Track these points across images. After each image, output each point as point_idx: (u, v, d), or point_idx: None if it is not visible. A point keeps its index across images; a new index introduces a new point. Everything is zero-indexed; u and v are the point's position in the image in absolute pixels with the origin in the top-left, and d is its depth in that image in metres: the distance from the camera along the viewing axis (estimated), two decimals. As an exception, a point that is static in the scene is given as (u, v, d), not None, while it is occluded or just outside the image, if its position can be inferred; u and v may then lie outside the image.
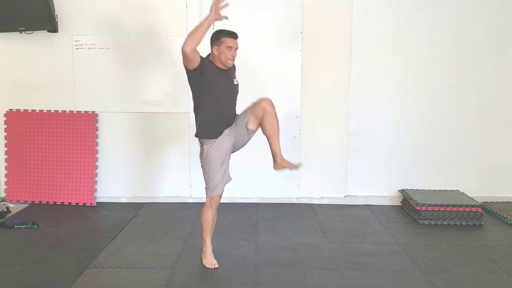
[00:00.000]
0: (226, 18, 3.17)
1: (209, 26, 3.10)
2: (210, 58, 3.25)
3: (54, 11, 4.47)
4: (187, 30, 4.55)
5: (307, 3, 4.57)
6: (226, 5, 3.13)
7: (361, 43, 4.64)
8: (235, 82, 3.34)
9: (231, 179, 3.39)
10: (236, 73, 3.40)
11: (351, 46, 4.64)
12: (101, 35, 4.63)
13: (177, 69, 4.61)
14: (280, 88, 4.64)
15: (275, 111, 3.20)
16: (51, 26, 4.47)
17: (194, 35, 3.02)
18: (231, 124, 3.29)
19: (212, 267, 3.30)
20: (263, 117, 3.17)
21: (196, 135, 3.30)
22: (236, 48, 3.22)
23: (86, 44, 4.63)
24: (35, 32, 4.56)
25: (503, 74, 4.70)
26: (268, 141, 3.25)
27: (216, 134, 3.22)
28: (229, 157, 3.33)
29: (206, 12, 4.52)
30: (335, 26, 4.61)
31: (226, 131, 3.25)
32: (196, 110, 3.29)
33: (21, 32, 4.53)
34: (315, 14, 4.58)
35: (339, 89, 4.70)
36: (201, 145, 3.28)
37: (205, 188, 3.31)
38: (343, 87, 4.69)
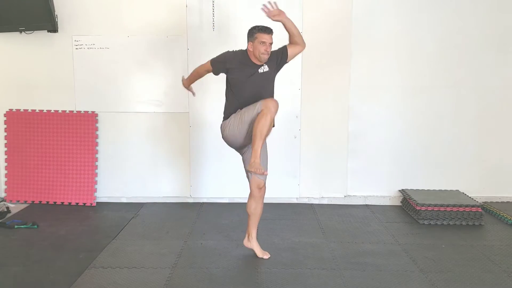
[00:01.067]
0: (193, 94, 3.80)
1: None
2: (248, 52, 3.35)
3: (54, 11, 4.47)
4: (187, 30, 4.61)
5: (307, 3, 4.57)
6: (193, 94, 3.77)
7: (361, 43, 4.64)
8: (260, 70, 3.33)
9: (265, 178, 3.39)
10: (275, 56, 3.43)
11: (351, 46, 4.64)
12: (101, 35, 4.63)
13: (177, 69, 4.62)
14: (280, 88, 4.62)
15: (273, 114, 3.20)
16: (51, 26, 4.47)
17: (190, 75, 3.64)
18: None
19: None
20: (255, 198, 3.40)
21: (224, 119, 3.42)
22: (270, 43, 3.30)
23: (86, 44, 4.63)
24: (35, 32, 4.56)
25: (503, 74, 4.70)
26: (249, 219, 3.47)
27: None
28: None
29: (206, 12, 4.58)
30: (335, 26, 4.61)
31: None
32: (227, 100, 3.46)
33: (21, 32, 4.53)
34: (315, 14, 4.58)
35: (339, 89, 4.70)
36: (226, 122, 3.36)
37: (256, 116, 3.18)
38: (343, 87, 4.69)
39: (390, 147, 4.78)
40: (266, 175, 3.32)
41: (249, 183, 3.42)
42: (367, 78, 4.69)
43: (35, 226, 4.06)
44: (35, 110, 4.73)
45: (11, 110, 4.74)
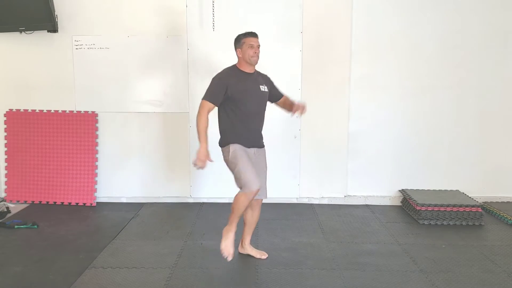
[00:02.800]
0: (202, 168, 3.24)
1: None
2: (237, 65, 3.36)
3: (54, 11, 4.47)
4: (187, 30, 4.61)
5: (307, 3, 4.57)
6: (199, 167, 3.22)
7: (361, 43, 4.64)
8: (262, 89, 3.35)
9: (266, 196, 3.43)
10: (266, 80, 3.45)
11: (351, 46, 4.64)
12: (101, 35, 4.63)
13: (177, 69, 4.62)
14: (280, 88, 4.63)
15: (259, 210, 3.47)
16: (51, 26, 4.47)
17: (198, 124, 3.21)
18: (256, 146, 3.35)
19: (229, 256, 3.19)
20: (253, 208, 3.44)
21: (220, 144, 3.32)
22: (258, 46, 3.31)
23: (86, 44, 4.63)
24: (35, 32, 4.56)
25: (503, 75, 4.70)
26: (245, 226, 3.50)
27: (242, 141, 3.26)
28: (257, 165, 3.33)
29: (206, 12, 4.58)
30: (335, 26, 4.62)
31: (247, 149, 3.28)
32: (221, 120, 3.33)
33: (21, 32, 4.53)
34: (315, 14, 4.59)
35: (339, 89, 4.70)
36: (224, 151, 3.30)
37: (240, 187, 3.23)
38: (343, 87, 4.69)
39: (390, 147, 4.78)
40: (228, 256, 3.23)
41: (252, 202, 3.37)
42: (367, 78, 4.70)
43: (35, 226, 4.06)
44: (35, 110, 4.73)
45: (11, 110, 4.74)
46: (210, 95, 3.22)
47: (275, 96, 3.51)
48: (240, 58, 3.33)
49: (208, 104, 3.19)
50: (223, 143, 3.32)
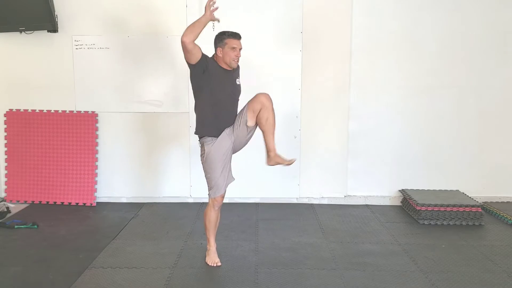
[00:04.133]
0: (218, 20, 3.22)
1: (206, 22, 3.12)
2: (215, 58, 3.27)
3: (54, 11, 4.47)
4: (187, 30, 4.57)
5: (307, 3, 4.57)
6: (216, 8, 3.15)
7: (361, 43, 4.64)
8: (238, 82, 3.35)
9: (233, 179, 3.37)
10: (240, 73, 3.41)
11: (351, 46, 4.64)
12: (101, 35, 4.63)
13: (177, 69, 4.62)
14: (280, 88, 4.64)
15: (272, 106, 3.21)
16: (51, 26, 4.47)
17: (192, 27, 3.06)
18: (231, 124, 3.29)
19: (215, 265, 3.33)
20: (261, 111, 3.18)
21: (196, 133, 3.33)
22: (240, 49, 3.25)
23: (86, 44, 4.63)
24: (35, 32, 4.56)
25: (503, 74, 4.70)
26: (263, 136, 3.25)
27: (217, 132, 3.22)
28: (230, 157, 3.33)
29: (206, 12, 4.55)
30: (335, 26, 4.61)
31: (227, 131, 3.24)
32: (197, 108, 3.32)
33: (21, 32, 4.53)
34: (315, 14, 4.58)
35: (339, 89, 4.70)
36: (202, 146, 3.29)
37: (208, 189, 3.32)
38: (343, 87, 4.69)
39: (390, 147, 4.78)
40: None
41: (254, 106, 3.20)
42: (367, 78, 4.69)
43: (35, 226, 4.06)
44: (35, 110, 4.73)
45: (11, 110, 4.74)
46: (203, 54, 3.14)
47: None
48: (220, 57, 3.23)
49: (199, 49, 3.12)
50: (197, 132, 3.31)
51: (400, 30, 4.63)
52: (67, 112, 4.72)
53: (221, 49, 3.22)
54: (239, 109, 3.36)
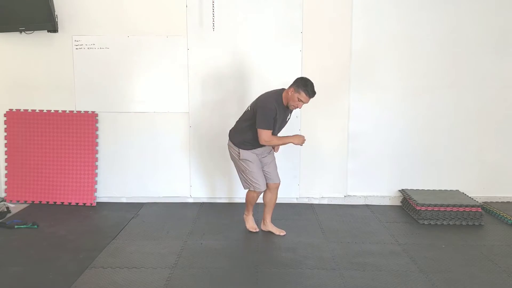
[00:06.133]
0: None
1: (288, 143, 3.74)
2: (283, 94, 3.65)
3: (54, 11, 4.47)
4: (187, 30, 4.61)
5: (307, 3, 4.57)
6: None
7: (361, 43, 4.64)
8: (288, 118, 3.80)
9: (279, 180, 3.95)
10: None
11: (351, 46, 4.64)
12: (101, 35, 4.63)
13: (177, 69, 4.62)
14: (280, 88, 4.64)
15: (277, 190, 3.97)
16: (51, 26, 4.47)
17: (277, 141, 3.72)
18: (267, 152, 3.85)
19: (254, 230, 3.96)
20: (271, 191, 3.92)
21: (235, 144, 3.78)
22: (306, 103, 3.61)
23: (86, 44, 4.63)
24: (35, 32, 4.56)
25: (502, 74, 4.70)
26: (264, 207, 4.00)
27: (251, 148, 3.75)
28: (262, 163, 3.86)
29: (206, 12, 4.58)
30: (335, 26, 4.61)
31: (258, 153, 3.78)
32: (246, 128, 3.72)
33: (21, 32, 4.53)
34: (315, 14, 4.58)
35: (339, 89, 4.70)
36: (234, 149, 3.80)
37: (249, 184, 3.82)
38: (343, 87, 4.69)
39: (390, 147, 4.78)
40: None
41: (270, 184, 3.91)
42: (367, 78, 4.69)
43: (35, 226, 4.06)
44: (35, 110, 4.73)
45: (11, 110, 4.74)
46: (268, 124, 3.59)
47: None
48: (286, 95, 3.61)
49: (269, 132, 3.61)
50: (236, 143, 3.77)
51: (400, 30, 4.63)
52: (67, 112, 4.72)
53: (292, 91, 3.56)
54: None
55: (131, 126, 4.76)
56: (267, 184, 3.88)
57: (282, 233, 3.96)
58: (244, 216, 4.07)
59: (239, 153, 3.75)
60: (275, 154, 4.04)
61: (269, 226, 4.00)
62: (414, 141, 4.78)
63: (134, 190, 4.83)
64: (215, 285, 3.09)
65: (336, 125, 4.74)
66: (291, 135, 3.77)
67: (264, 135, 3.57)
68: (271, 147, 3.89)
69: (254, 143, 3.69)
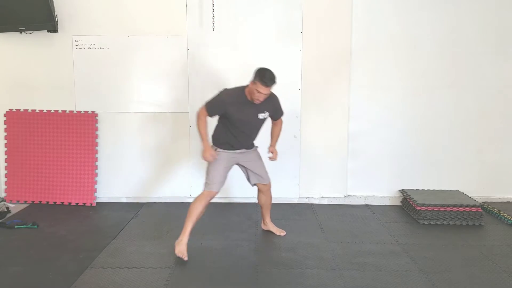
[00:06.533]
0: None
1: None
2: (246, 90, 3.49)
3: (54, 11, 4.47)
4: (187, 30, 4.61)
5: (307, 3, 4.57)
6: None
7: (361, 43, 4.64)
8: (260, 117, 3.58)
9: (269, 180, 3.84)
10: (270, 105, 3.61)
11: (351, 46, 4.64)
12: (101, 35, 4.63)
13: (177, 69, 4.62)
14: (280, 88, 4.63)
15: (270, 191, 3.89)
16: (51, 26, 4.46)
17: (199, 129, 3.55)
18: (244, 148, 3.66)
19: (182, 256, 3.40)
20: (264, 192, 3.84)
21: (212, 142, 3.68)
22: (266, 94, 3.43)
23: (86, 44, 4.63)
24: (35, 32, 4.56)
25: (502, 74, 4.69)
26: (262, 209, 3.97)
27: (228, 148, 3.61)
28: (231, 167, 3.70)
29: (206, 12, 4.59)
30: (335, 26, 4.61)
31: (236, 154, 3.63)
32: (217, 124, 3.66)
33: (21, 32, 4.53)
34: (315, 14, 4.58)
35: (339, 89, 4.70)
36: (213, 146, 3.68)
37: (205, 183, 3.58)
38: (343, 87, 4.69)
39: (390, 147, 4.78)
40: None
41: (259, 185, 3.82)
42: (367, 78, 4.69)
43: (35, 226, 4.06)
44: (35, 110, 4.73)
45: (11, 110, 4.74)
46: (210, 108, 3.51)
47: (272, 118, 3.78)
48: (248, 89, 3.46)
49: (206, 113, 3.52)
50: (212, 141, 3.68)
51: (400, 30, 4.63)
52: (67, 112, 4.72)
53: (252, 83, 3.41)
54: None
55: (131, 126, 4.77)
56: (257, 185, 3.78)
57: (283, 233, 3.95)
58: (179, 237, 3.50)
59: (216, 149, 3.62)
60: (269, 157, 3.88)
61: (269, 226, 4.00)
62: (414, 141, 4.78)
63: (134, 190, 4.83)
64: (215, 285, 3.09)
65: (336, 125, 4.74)
66: (206, 147, 3.51)
67: (200, 111, 3.50)
68: (251, 145, 3.73)
69: (229, 140, 3.58)
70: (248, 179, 3.79)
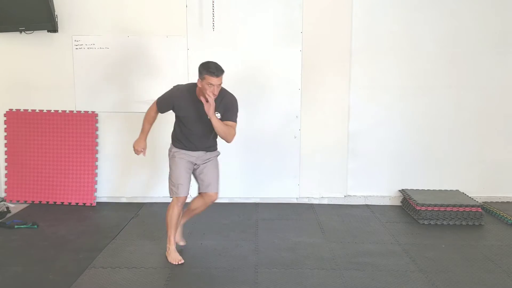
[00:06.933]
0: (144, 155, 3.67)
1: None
2: (196, 88, 3.28)
3: (54, 11, 4.47)
4: (187, 30, 4.61)
5: (307, 3, 4.57)
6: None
7: (361, 43, 4.64)
8: (216, 114, 3.26)
9: (216, 191, 3.49)
10: (222, 105, 3.30)
11: (351, 46, 4.64)
12: (101, 35, 4.63)
13: (177, 69, 4.62)
14: (280, 88, 4.65)
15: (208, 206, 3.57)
16: (51, 26, 4.46)
17: (144, 121, 3.58)
18: (200, 150, 3.42)
19: (177, 262, 3.34)
20: (204, 199, 3.49)
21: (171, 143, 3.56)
22: (219, 85, 3.19)
23: (86, 44, 4.63)
24: (35, 32, 4.56)
25: (502, 74, 4.69)
26: (184, 215, 3.62)
27: (182, 147, 3.45)
28: (191, 171, 3.49)
29: (206, 12, 4.58)
30: (335, 26, 4.61)
31: (192, 157, 3.44)
32: (174, 123, 3.53)
33: (21, 32, 4.53)
34: (315, 14, 4.58)
35: (339, 89, 4.70)
36: (169, 150, 3.57)
37: (169, 188, 3.48)
38: (343, 87, 4.69)
39: (390, 147, 4.78)
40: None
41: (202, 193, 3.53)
42: (367, 78, 4.69)
43: (35, 226, 4.06)
44: (35, 110, 4.73)
45: (11, 110, 4.74)
46: (159, 102, 3.44)
47: (222, 118, 3.34)
48: (198, 88, 3.24)
49: (155, 107, 3.47)
50: (171, 143, 3.57)
51: (400, 30, 4.63)
52: (67, 112, 4.72)
53: (200, 81, 3.20)
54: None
55: (131, 126, 4.75)
56: (200, 193, 3.50)
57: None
58: (167, 247, 3.45)
59: (171, 149, 3.51)
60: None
61: (178, 236, 3.61)
62: (414, 141, 4.78)
63: (134, 190, 4.83)
64: (215, 285, 3.09)
65: (336, 125, 4.74)
66: (140, 138, 3.58)
67: (153, 103, 3.46)
68: (209, 148, 3.46)
69: (183, 140, 3.42)
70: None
